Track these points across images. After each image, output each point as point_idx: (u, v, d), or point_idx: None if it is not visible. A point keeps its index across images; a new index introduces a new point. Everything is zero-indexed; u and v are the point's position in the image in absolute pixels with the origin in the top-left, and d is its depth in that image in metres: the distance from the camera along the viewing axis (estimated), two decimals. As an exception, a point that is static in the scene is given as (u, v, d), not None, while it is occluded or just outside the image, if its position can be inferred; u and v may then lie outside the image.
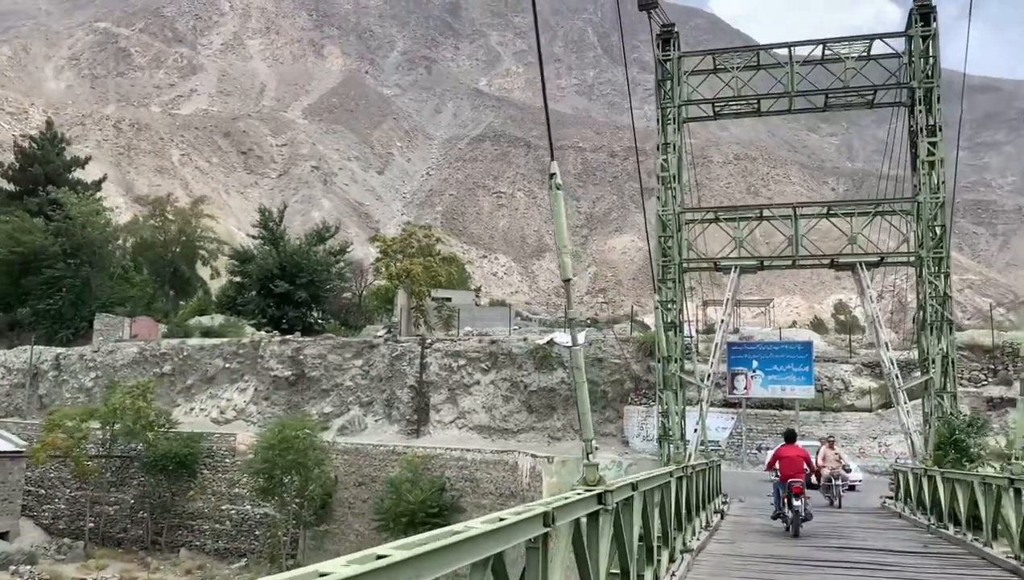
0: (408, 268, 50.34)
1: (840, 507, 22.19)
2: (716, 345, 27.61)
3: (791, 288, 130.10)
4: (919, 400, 28.01)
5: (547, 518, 5.15)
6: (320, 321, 62.92)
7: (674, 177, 27.77)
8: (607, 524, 6.93)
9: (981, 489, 13.62)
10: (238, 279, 65.40)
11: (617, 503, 7.26)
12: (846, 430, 37.79)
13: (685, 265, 28.42)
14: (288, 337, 49.72)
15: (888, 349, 25.68)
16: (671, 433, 27.43)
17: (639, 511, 8.77)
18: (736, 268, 27.46)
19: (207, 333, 54.96)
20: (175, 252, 64.78)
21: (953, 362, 24.89)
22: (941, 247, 25.50)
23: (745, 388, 36.56)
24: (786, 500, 16.17)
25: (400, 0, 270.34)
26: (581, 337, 46.13)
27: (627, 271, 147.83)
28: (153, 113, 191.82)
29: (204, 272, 74.08)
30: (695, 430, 26.40)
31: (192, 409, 49.59)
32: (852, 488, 29.38)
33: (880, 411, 38.54)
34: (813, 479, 20.63)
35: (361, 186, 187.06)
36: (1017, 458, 13.24)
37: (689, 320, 50.48)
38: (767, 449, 34.53)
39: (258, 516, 38.96)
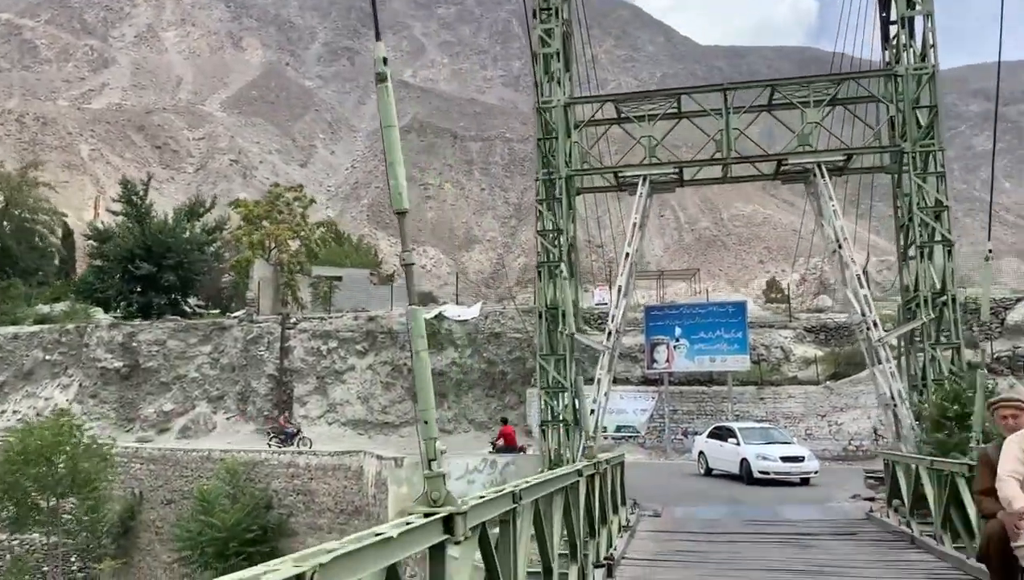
0: (273, 235, 41.51)
1: None
2: (620, 288, 19.39)
3: (716, 273, 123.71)
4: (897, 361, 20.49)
5: None
6: (197, 308, 54.13)
7: (557, 55, 19.67)
8: None
9: None
10: (97, 262, 56.03)
11: None
12: (789, 407, 30.52)
13: (578, 182, 20.38)
14: (118, 320, 40.67)
15: (862, 284, 17.89)
16: (560, 418, 19.43)
17: None
18: (645, 180, 19.44)
19: (42, 321, 45.51)
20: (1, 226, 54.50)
21: (955, 299, 17.24)
22: (931, 138, 17.88)
23: (667, 361, 28.76)
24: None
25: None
26: (476, 309, 38.25)
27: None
28: (61, 107, 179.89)
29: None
30: (592, 412, 18.27)
31: (3, 412, 40.29)
32: (806, 482, 22.26)
33: (829, 383, 31.38)
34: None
35: (283, 180, 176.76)
36: None
37: (598, 285, 43.01)
38: (695, 433, 26.98)
39: (45, 547, 29.82)
